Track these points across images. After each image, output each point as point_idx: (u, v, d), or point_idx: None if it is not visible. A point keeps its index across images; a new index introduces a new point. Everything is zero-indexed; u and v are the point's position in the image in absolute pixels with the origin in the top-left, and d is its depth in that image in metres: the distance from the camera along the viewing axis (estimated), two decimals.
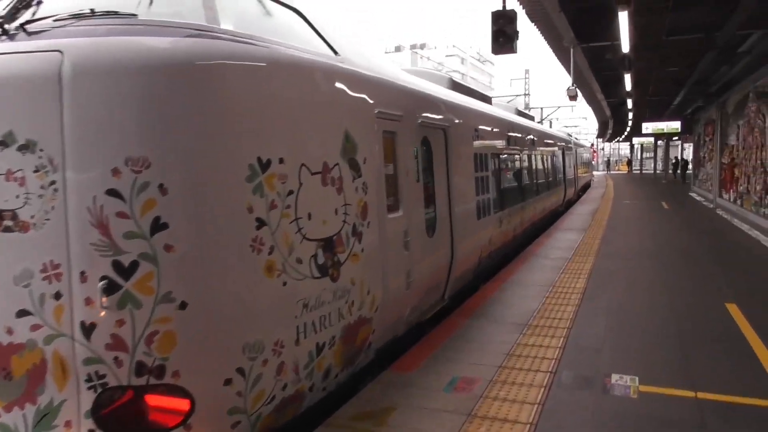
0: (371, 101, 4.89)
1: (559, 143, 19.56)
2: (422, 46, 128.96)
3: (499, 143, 10.14)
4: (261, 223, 3.46)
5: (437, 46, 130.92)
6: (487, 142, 9.07)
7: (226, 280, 3.32)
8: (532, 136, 13.87)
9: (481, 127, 8.71)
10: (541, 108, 58.77)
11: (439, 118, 6.82)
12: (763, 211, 12.78)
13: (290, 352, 3.70)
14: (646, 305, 6.97)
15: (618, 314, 6.61)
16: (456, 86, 9.27)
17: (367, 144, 4.71)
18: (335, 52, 4.63)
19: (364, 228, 4.60)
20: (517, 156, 11.76)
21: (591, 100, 24.63)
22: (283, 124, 3.73)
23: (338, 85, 4.42)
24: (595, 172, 64.86)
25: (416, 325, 6.28)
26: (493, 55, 8.91)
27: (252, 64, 3.58)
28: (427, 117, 6.36)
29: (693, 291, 7.58)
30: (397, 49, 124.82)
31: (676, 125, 23.96)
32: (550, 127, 41.74)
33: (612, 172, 69.95)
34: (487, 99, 11.30)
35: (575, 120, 71.50)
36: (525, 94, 44.46)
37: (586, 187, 34.66)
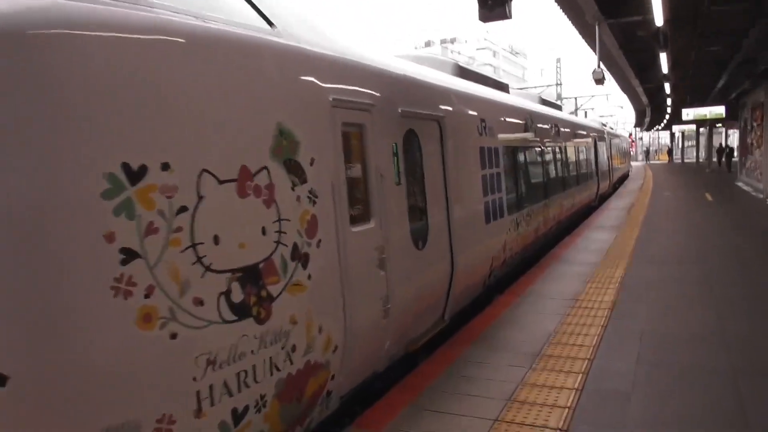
0: (323, 85, 3.86)
1: (590, 133, 18.13)
2: (452, 41, 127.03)
3: (516, 135, 8.97)
4: (130, 255, 2.47)
5: (468, 40, 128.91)
6: (499, 135, 7.94)
7: (73, 341, 2.35)
8: (557, 127, 12.60)
9: (491, 117, 7.58)
10: (575, 98, 56.70)
11: (431, 108, 5.75)
12: None
13: (187, 428, 2.71)
14: (689, 330, 5.74)
15: (653, 340, 5.41)
16: (464, 72, 8.15)
17: (315, 140, 3.69)
18: (270, 24, 3.62)
19: (312, 248, 3.57)
20: (538, 149, 10.56)
21: (625, 87, 23.01)
22: (171, 116, 2.73)
23: (268, 64, 3.40)
24: (633, 163, 62.40)
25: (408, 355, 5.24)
26: (481, 22, 7.59)
27: (123, 37, 2.58)
28: (412, 106, 5.30)
29: (749, 312, 6.29)
30: (427, 44, 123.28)
31: (719, 110, 22.10)
32: (585, 117, 39.95)
33: (652, 162, 67.14)
34: (502, 87, 10.13)
35: (611, 109, 68.84)
36: (557, 84, 42.66)
37: (624, 178, 32.85)
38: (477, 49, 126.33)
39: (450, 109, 6.21)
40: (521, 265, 9.88)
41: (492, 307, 6.71)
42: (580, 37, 16.26)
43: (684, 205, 16.88)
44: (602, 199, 20.80)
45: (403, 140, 5.09)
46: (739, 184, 24.06)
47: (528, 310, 6.55)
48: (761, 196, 18.35)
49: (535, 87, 45.96)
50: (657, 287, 7.29)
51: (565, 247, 10.55)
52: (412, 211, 5.17)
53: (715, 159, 37.57)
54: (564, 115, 14.68)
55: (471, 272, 6.52)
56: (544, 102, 13.97)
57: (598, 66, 12.18)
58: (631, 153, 64.45)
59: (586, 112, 63.99)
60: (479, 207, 6.87)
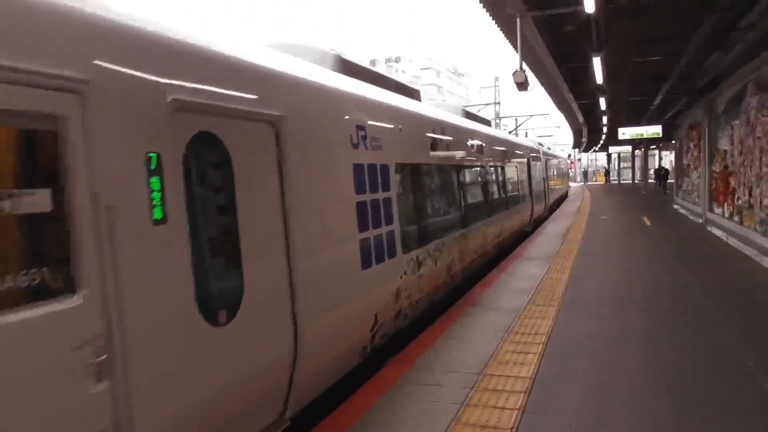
0: None
1: (524, 153, 16.71)
2: (397, 60, 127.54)
3: (420, 151, 7.17)
4: None
5: (412, 60, 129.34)
6: (392, 149, 6.10)
7: None
8: (481, 143, 10.94)
9: (376, 125, 5.72)
10: (516, 117, 56.43)
11: (257, 103, 3.81)
12: None
13: None
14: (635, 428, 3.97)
15: None
16: (348, 68, 6.28)
17: None
18: None
19: None
20: (454, 168, 8.80)
21: (560, 103, 21.92)
22: None
23: None
24: (572, 184, 62.65)
25: None
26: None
27: None
28: (209, 96, 3.34)
29: (710, 400, 4.61)
30: (372, 62, 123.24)
31: (656, 129, 21.31)
32: (525, 137, 39.18)
33: (590, 183, 67.79)
34: (410, 92, 8.35)
35: (550, 130, 69.30)
36: (495, 103, 41.86)
37: (561, 200, 31.99)
38: (421, 69, 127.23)
39: (298, 108, 4.29)
40: (435, 310, 8.03)
41: (362, 392, 4.75)
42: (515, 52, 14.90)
43: (622, 231, 15.59)
44: (537, 223, 19.43)
45: (183, 150, 3.11)
46: (676, 207, 23.31)
47: (412, 395, 4.63)
48: (699, 220, 17.35)
49: (474, 105, 45.01)
50: (590, 353, 5.53)
51: (486, 286, 8.78)
52: (200, 264, 3.19)
53: (652, 180, 37.42)
54: (492, 131, 13.10)
55: (333, 342, 4.57)
56: (469, 115, 12.33)
57: (520, 67, 10.58)
58: (570, 174, 64.93)
59: (526, 133, 64.06)
60: (351, 247, 4.95)
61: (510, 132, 35.34)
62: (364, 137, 5.38)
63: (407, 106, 7.01)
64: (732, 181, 13.50)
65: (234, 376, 3.38)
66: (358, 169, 5.18)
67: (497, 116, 41.93)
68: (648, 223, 17.56)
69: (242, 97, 3.67)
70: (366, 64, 7.09)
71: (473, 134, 10.42)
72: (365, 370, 5.74)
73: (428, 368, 5.21)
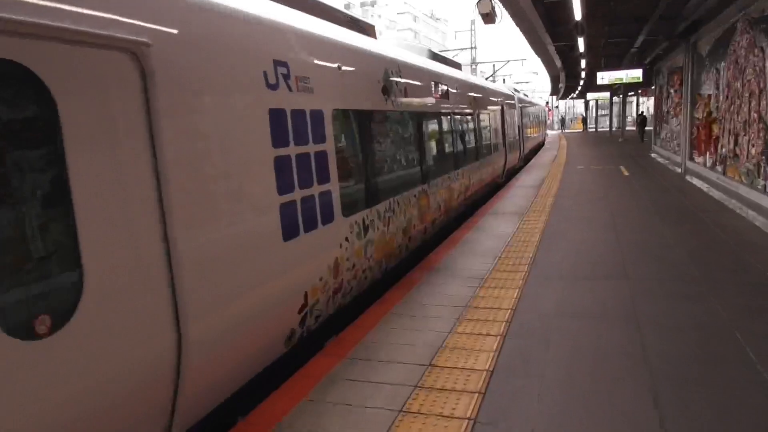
0: None
1: (496, 99, 15.64)
2: (373, 3, 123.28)
3: (368, 95, 6.09)
4: None
5: (388, 3, 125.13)
6: (327, 91, 5.03)
7: None
8: (447, 88, 9.86)
9: (302, 60, 4.63)
10: (493, 64, 54.86)
11: (97, 21, 2.71)
12: (764, 184, 9.24)
13: None
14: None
15: None
16: None
17: None
18: None
19: None
20: (413, 116, 7.75)
21: (537, 46, 20.69)
22: None
23: None
24: (550, 131, 61.77)
25: None
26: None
27: None
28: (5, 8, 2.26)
29: (703, 403, 3.81)
30: (347, 6, 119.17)
31: (636, 73, 20.29)
32: (503, 84, 37.84)
33: (567, 131, 67.02)
34: (362, 28, 7.19)
35: (528, 76, 67.84)
36: (471, 48, 40.28)
37: (537, 149, 31.16)
38: (397, 14, 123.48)
39: (180, 34, 3.20)
40: (391, 277, 7.15)
41: (274, 398, 3.86)
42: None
43: (599, 182, 14.80)
44: (512, 173, 18.57)
45: None
46: (653, 155, 22.61)
47: (336, 404, 3.76)
48: (678, 170, 16.64)
49: (449, 50, 43.33)
50: (560, 334, 4.69)
51: (449, 247, 7.90)
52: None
53: (630, 128, 36.68)
54: (462, 75, 11.97)
55: (241, 334, 3.64)
56: (437, 57, 11.18)
57: None
58: (548, 122, 63.95)
59: (504, 79, 62.57)
60: (266, 215, 3.96)
61: (486, 78, 33.99)
62: (286, 76, 4.30)
63: (351, 41, 5.88)
64: (715, 129, 12.67)
65: (69, 399, 2.44)
66: (276, 115, 4.12)
67: (473, 62, 40.48)
68: (626, 173, 16.81)
69: (77, 13, 2.57)
70: None
71: (438, 77, 9.32)
72: (298, 356, 4.87)
73: (366, 358, 4.33)
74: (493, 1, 9.00)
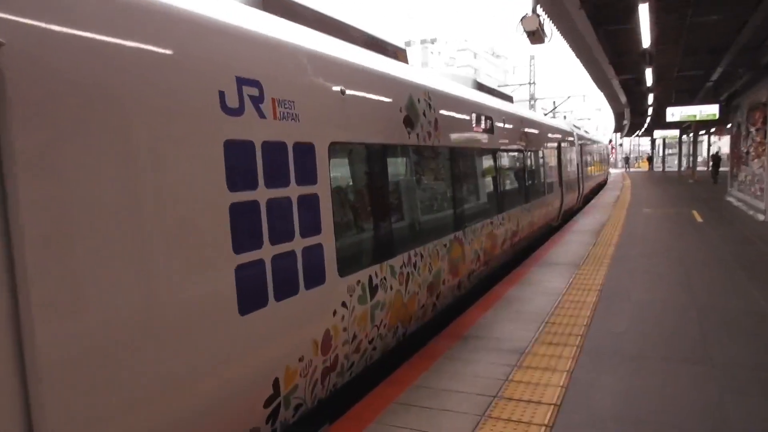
0: None
1: (553, 135, 14.37)
2: (433, 41, 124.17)
3: (384, 126, 5.08)
4: None
5: (448, 41, 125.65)
6: (322, 119, 4.05)
7: None
8: (493, 121, 8.76)
9: (282, 80, 3.65)
10: (554, 101, 53.32)
11: None
12: None
13: None
14: None
15: None
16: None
17: None
18: None
19: None
20: (447, 152, 6.68)
21: (599, 78, 19.27)
22: None
23: None
24: (612, 170, 59.12)
25: None
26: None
27: None
28: None
29: None
30: (407, 44, 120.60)
31: (712, 110, 18.47)
32: (564, 119, 36.25)
33: (632, 169, 64.06)
34: (381, 47, 6.23)
35: (589, 112, 65.68)
36: (529, 83, 39.04)
37: (599, 188, 29.31)
38: (457, 50, 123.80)
39: (55, 27, 2.26)
40: (416, 341, 6.01)
41: None
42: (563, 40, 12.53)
43: (668, 228, 13.16)
44: (569, 215, 17.08)
45: None
46: (730, 199, 20.52)
47: None
48: (761, 217, 14.73)
49: (508, 86, 42.24)
50: None
51: (485, 307, 6.67)
52: None
53: (700, 168, 34.23)
54: (512, 108, 10.83)
55: None
56: (483, 88, 10.11)
57: (533, 10, 8.14)
58: (611, 160, 61.33)
59: (565, 116, 60.71)
60: (208, 282, 2.94)
61: (546, 114, 32.50)
62: (257, 98, 3.33)
63: (361, 61, 4.89)
64: None
65: None
66: (236, 149, 3.14)
67: (532, 97, 39.17)
68: (699, 218, 15.03)
69: None
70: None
71: (481, 109, 8.23)
72: None
73: None
74: (541, 18, 7.86)
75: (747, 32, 10.95)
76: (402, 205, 5.42)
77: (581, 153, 20.51)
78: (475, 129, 7.87)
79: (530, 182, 11.23)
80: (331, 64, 4.26)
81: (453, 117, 6.88)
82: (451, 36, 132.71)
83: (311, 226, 3.81)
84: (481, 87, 10.02)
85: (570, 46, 12.90)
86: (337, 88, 4.25)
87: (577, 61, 18.48)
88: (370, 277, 4.60)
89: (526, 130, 11.22)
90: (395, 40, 6.68)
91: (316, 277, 3.83)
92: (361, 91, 4.64)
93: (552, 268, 8.84)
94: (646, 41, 10.31)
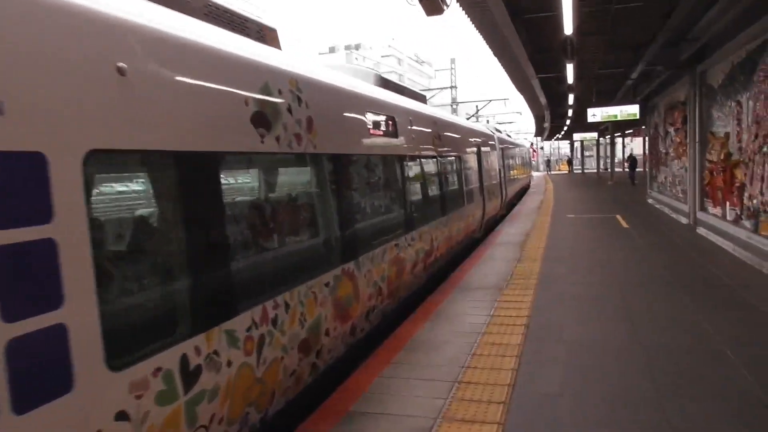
0: None
1: (471, 138, 13.19)
2: (357, 47, 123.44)
3: (212, 124, 3.46)
4: None
5: (373, 47, 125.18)
6: (75, 113, 2.41)
7: None
8: (393, 122, 7.33)
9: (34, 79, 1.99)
10: (476, 104, 53.20)
11: None
12: None
13: None
14: None
15: None
16: None
17: None
18: None
19: None
20: (324, 159, 5.13)
21: (519, 79, 18.43)
22: None
23: None
24: (535, 173, 59.77)
25: None
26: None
27: None
28: None
29: None
30: (332, 49, 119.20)
31: (632, 110, 18.02)
32: (488, 123, 35.63)
33: (552, 172, 65.24)
34: (238, 25, 4.64)
35: (511, 117, 66.40)
36: (451, 87, 38.40)
37: (522, 193, 28.81)
38: (382, 57, 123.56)
39: None
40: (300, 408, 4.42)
41: None
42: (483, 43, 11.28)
43: (594, 236, 12.24)
44: (491, 224, 16.00)
45: None
46: (650, 201, 20.26)
47: None
48: (685, 220, 14.17)
49: (430, 89, 41.50)
50: None
51: (383, 361, 5.18)
52: None
53: (619, 170, 34.65)
54: (422, 108, 9.47)
55: None
56: (388, 85, 8.67)
57: None
58: (533, 163, 62.07)
59: (488, 120, 60.99)
60: None
61: (468, 118, 31.59)
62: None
63: (168, 26, 3.26)
64: (739, 174, 10.23)
65: None
66: None
67: (454, 101, 38.54)
68: (624, 223, 14.31)
69: None
70: None
71: (378, 107, 6.78)
72: None
73: None
74: None
75: (673, 21, 10.07)
76: (249, 239, 3.83)
77: (503, 157, 19.62)
78: (372, 132, 6.41)
79: (447, 192, 9.90)
80: (97, 24, 2.63)
81: (338, 116, 5.37)
82: (376, 42, 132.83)
83: (36, 296, 2.17)
84: (386, 83, 8.59)
85: (486, 40, 11.75)
86: (106, 65, 2.62)
87: (499, 65, 17.56)
88: (184, 358, 2.98)
89: (441, 133, 9.89)
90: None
91: (48, 384, 2.19)
92: (165, 70, 3.02)
93: (472, 294, 7.49)
94: (568, 28, 9.22)
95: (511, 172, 22.95)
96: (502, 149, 19.60)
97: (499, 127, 37.71)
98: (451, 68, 39.31)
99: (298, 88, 4.58)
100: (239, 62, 3.79)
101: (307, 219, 4.75)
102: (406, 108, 8.06)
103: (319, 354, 4.63)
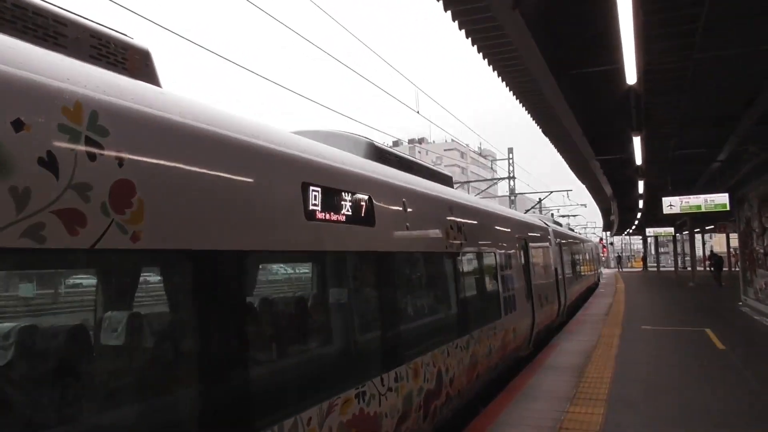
0: None
1: (515, 231, 10.69)
2: (420, 141, 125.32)
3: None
4: None
5: (435, 140, 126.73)
6: None
7: None
8: (386, 206, 5.08)
9: None
10: (540, 197, 50.57)
11: None
12: None
13: None
14: None
15: None
16: None
17: None
18: None
19: None
20: (304, 260, 2.89)
21: (575, 162, 15.95)
22: None
23: None
24: (605, 270, 55.30)
25: None
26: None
27: None
28: None
29: None
30: (396, 143, 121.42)
31: (721, 199, 14.95)
32: (552, 216, 32.83)
33: (624, 269, 60.37)
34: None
35: (577, 209, 63.10)
36: (509, 177, 36.20)
37: (589, 293, 25.44)
38: (444, 150, 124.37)
39: None
40: None
41: None
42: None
43: (680, 363, 9.19)
44: (547, 334, 13.02)
45: None
46: (745, 310, 16.69)
47: None
48: None
49: (484, 180, 39.45)
50: None
51: None
52: None
53: (700, 269, 30.65)
54: (444, 191, 7.19)
55: None
56: (384, 156, 6.47)
57: None
58: (602, 259, 57.69)
59: (552, 213, 57.88)
60: None
61: (526, 212, 28.74)
62: None
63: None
64: None
65: None
66: None
67: (512, 192, 36.16)
68: (719, 344, 11.08)
69: None
70: None
71: (358, 185, 4.58)
72: None
73: None
74: None
75: (762, 99, 7.59)
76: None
77: (561, 253, 16.84)
78: (351, 217, 4.19)
79: (467, 301, 7.35)
80: None
81: (272, 195, 3.18)
82: (438, 135, 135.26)
83: None
84: (382, 156, 6.40)
85: (532, 116, 9.58)
86: None
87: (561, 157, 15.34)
88: None
89: (461, 221, 7.47)
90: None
91: None
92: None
93: None
94: (631, 77, 6.82)
95: (573, 271, 19.97)
96: (560, 244, 16.86)
97: (560, 219, 34.90)
98: (509, 158, 37.25)
99: (242, 157, 2.43)
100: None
101: (216, 361, 2.45)
102: (414, 190, 5.84)
103: None
